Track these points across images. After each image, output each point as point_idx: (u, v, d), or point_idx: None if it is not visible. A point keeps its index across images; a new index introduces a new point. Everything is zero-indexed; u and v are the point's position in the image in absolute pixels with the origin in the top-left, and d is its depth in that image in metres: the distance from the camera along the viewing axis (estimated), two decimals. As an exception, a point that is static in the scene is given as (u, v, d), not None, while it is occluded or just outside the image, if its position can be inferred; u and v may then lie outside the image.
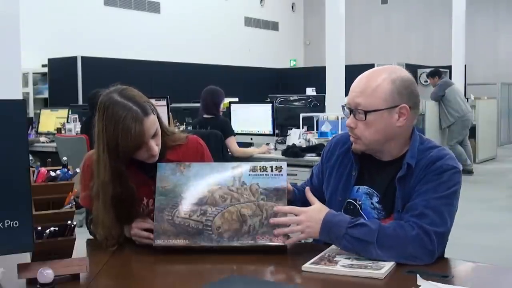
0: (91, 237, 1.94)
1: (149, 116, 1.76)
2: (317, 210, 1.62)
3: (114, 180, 1.77)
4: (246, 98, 7.66)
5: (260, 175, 1.72)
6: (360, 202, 1.75)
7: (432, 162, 1.65)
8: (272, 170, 1.73)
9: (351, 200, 1.76)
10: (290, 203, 1.73)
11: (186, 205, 1.70)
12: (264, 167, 1.73)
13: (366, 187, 1.75)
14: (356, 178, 1.76)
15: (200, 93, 4.96)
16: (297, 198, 1.85)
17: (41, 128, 7.42)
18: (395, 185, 1.68)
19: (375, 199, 1.73)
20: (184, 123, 6.08)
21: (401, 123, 1.67)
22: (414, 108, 1.70)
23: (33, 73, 9.55)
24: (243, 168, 1.74)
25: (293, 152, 4.59)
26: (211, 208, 1.69)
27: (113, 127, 1.72)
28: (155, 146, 1.80)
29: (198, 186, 1.73)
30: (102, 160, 1.77)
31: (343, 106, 1.76)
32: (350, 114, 1.70)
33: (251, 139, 5.21)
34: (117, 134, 1.72)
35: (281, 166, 1.74)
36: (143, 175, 1.87)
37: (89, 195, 1.85)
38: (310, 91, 7.60)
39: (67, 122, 6.77)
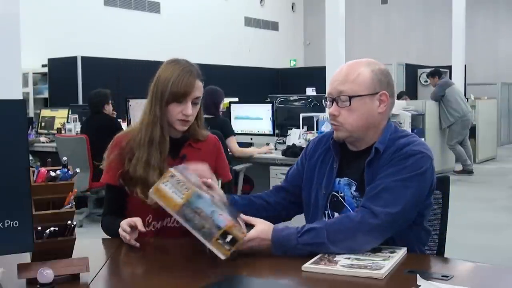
0: (91, 237, 1.93)
1: (200, 80, 1.99)
2: (262, 232, 1.61)
3: (153, 124, 1.97)
4: (246, 98, 7.66)
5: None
6: (342, 194, 1.80)
7: (400, 148, 1.71)
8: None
9: (334, 193, 1.82)
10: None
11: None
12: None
13: (346, 178, 1.81)
14: (337, 171, 1.82)
15: (200, 93, 4.95)
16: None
17: (41, 128, 7.43)
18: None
19: (353, 188, 1.79)
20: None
21: (382, 109, 1.75)
22: (392, 97, 1.79)
23: (33, 73, 9.55)
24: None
25: (293, 152, 4.59)
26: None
27: (169, 75, 1.96)
28: (191, 110, 1.96)
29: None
30: (147, 107, 2.01)
31: (324, 98, 1.83)
32: (333, 103, 1.77)
33: (251, 139, 5.21)
34: (169, 80, 1.94)
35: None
36: (170, 158, 1.99)
37: (111, 169, 2.00)
38: (310, 91, 7.60)
39: (67, 122, 6.77)
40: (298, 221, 1.92)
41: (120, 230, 1.81)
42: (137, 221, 1.81)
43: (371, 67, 1.77)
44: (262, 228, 1.62)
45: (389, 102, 1.77)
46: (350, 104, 1.73)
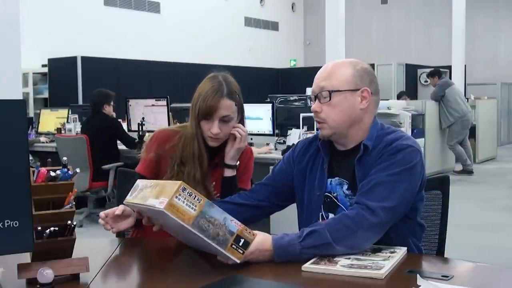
0: (91, 237, 1.93)
1: (229, 99, 1.99)
2: (260, 243, 1.57)
3: (192, 138, 2.02)
4: (246, 98, 7.64)
5: None
6: (335, 194, 1.81)
7: (389, 144, 1.73)
8: None
9: (327, 194, 1.83)
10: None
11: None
12: None
13: (337, 178, 1.82)
14: (328, 172, 1.83)
15: (200, 93, 4.95)
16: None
17: (41, 128, 7.42)
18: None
19: (345, 187, 1.80)
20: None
21: (363, 105, 1.78)
22: (375, 95, 1.82)
23: (33, 73, 9.54)
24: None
25: (293, 152, 4.58)
26: None
27: (199, 92, 2.00)
28: (217, 129, 1.97)
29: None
30: (189, 120, 2.05)
31: (309, 97, 1.84)
32: (315, 100, 1.81)
33: (251, 139, 5.21)
34: (199, 96, 1.98)
35: None
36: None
37: (147, 161, 2.07)
38: (310, 91, 7.59)
39: (67, 122, 6.77)
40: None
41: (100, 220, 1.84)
42: (119, 207, 1.83)
43: (353, 64, 1.81)
44: (259, 239, 1.58)
45: (372, 99, 1.79)
46: (330, 100, 1.76)
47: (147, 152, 2.10)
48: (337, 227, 1.60)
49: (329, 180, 1.83)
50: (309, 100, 1.90)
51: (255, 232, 1.58)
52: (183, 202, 1.49)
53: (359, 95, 1.77)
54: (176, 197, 1.49)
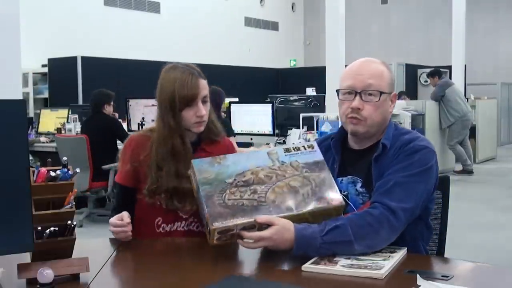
0: (91, 237, 1.93)
1: (203, 78, 1.98)
2: (281, 230, 1.55)
3: (170, 136, 1.96)
4: (246, 98, 7.66)
5: (296, 154, 1.76)
6: (346, 193, 1.81)
7: (405, 144, 1.74)
8: (305, 148, 1.78)
9: None
10: None
11: (234, 188, 1.66)
12: (297, 147, 1.79)
13: (349, 176, 1.82)
14: (339, 171, 1.83)
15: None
16: None
17: (41, 128, 7.42)
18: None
19: (359, 185, 1.80)
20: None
21: (391, 109, 1.82)
22: None
23: (33, 73, 9.55)
24: (278, 150, 1.77)
25: (293, 152, 4.58)
26: (260, 186, 1.66)
27: (172, 83, 1.94)
28: (203, 110, 1.96)
29: (240, 171, 1.70)
30: (159, 120, 1.99)
31: (337, 90, 1.81)
32: (355, 96, 1.76)
33: (251, 139, 5.21)
34: (174, 87, 1.93)
35: (312, 144, 1.79)
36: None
37: (124, 172, 2.02)
38: (310, 91, 7.61)
39: (67, 122, 6.77)
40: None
41: (112, 228, 1.82)
42: (124, 213, 1.83)
43: (386, 67, 1.82)
44: (278, 228, 1.55)
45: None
46: (379, 100, 1.75)
47: (123, 163, 2.04)
48: (359, 223, 1.58)
49: (339, 178, 1.82)
50: (337, 93, 1.85)
51: (275, 219, 1.57)
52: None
53: (390, 99, 1.81)
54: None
